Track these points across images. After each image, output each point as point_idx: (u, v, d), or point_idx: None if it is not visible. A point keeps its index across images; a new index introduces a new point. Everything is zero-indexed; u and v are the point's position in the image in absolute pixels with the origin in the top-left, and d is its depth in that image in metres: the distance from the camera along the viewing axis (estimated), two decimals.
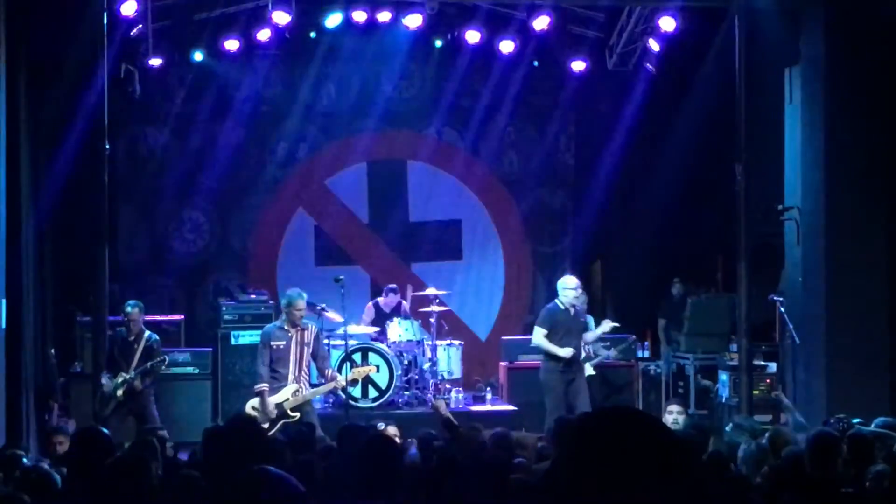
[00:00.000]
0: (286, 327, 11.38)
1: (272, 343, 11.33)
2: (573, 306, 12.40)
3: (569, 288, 12.43)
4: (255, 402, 11.31)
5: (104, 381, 11.77)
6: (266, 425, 10.76)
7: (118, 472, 5.46)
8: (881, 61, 12.04)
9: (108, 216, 12.57)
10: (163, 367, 12.12)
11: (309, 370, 11.50)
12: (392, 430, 9.69)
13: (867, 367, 11.86)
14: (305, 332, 11.41)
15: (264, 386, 11.25)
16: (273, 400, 11.22)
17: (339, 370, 12.58)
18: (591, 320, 13.66)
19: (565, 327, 12.33)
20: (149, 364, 11.86)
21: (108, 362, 11.96)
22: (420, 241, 16.69)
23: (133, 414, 11.88)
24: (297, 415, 11.20)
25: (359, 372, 12.33)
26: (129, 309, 12.19)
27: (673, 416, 10.36)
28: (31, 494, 5.86)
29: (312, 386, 11.52)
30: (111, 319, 12.41)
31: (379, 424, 10.01)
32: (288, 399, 11.25)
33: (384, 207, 16.72)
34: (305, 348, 11.36)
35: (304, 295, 11.51)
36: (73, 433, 9.04)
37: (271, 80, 16.26)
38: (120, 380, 11.85)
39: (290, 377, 11.31)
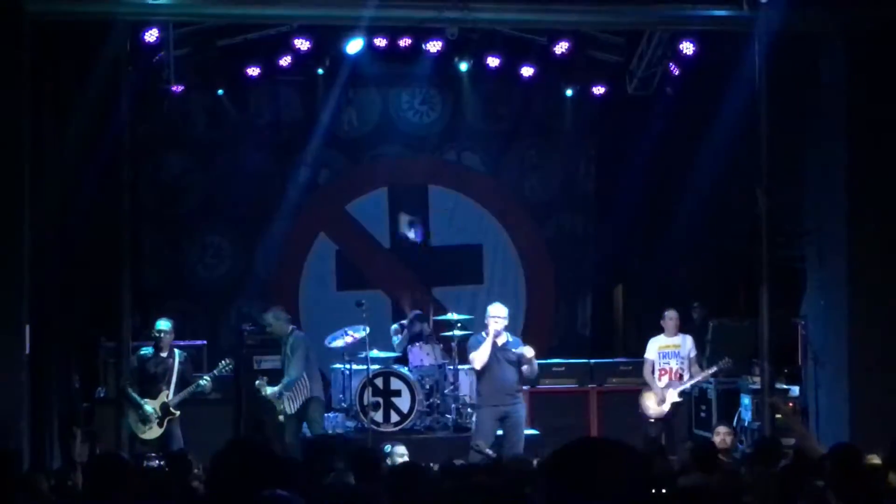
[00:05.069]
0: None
1: None
2: (497, 335, 11.91)
3: (490, 317, 12.03)
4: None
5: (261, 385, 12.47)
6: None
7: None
8: None
9: (130, 242, 12.65)
10: (208, 388, 12.33)
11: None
12: (400, 450, 9.72)
13: (891, 391, 11.79)
14: (287, 345, 12.54)
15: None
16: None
17: (361, 395, 13.10)
18: (688, 340, 13.17)
19: (494, 359, 11.94)
20: (193, 387, 12.11)
21: (142, 381, 12.03)
22: (441, 266, 16.70)
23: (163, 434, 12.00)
24: (281, 418, 12.49)
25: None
26: (165, 326, 12.24)
27: (720, 436, 10.54)
28: None
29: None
30: (134, 345, 12.48)
31: (385, 446, 10.04)
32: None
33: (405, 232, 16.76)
34: (286, 359, 12.54)
35: (271, 311, 12.85)
36: (92, 459, 9.09)
37: (293, 105, 16.35)
38: (161, 400, 11.94)
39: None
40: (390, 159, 16.81)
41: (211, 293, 16.29)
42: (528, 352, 11.94)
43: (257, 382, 12.50)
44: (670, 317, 13.19)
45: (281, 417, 12.41)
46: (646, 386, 13.13)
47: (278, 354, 13.14)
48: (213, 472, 5.54)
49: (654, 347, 13.18)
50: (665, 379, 13.04)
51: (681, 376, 13.05)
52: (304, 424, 12.64)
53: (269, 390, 12.38)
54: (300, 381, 12.41)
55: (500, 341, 11.94)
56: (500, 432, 12.03)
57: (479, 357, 11.90)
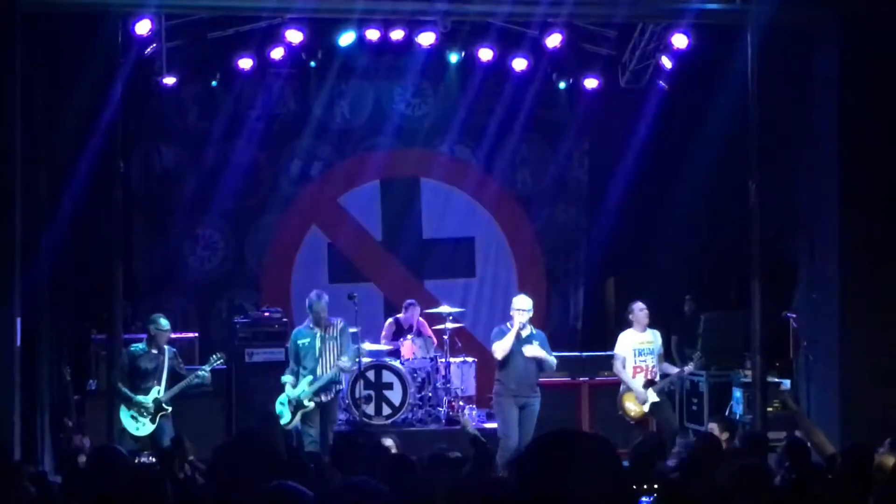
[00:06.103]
0: (311, 326, 12.26)
1: (298, 341, 12.25)
2: (522, 327, 12.05)
3: (515, 309, 12.16)
4: (282, 396, 12.21)
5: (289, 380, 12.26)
6: (289, 417, 12.02)
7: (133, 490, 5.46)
8: None
9: (122, 234, 12.63)
10: (205, 381, 12.30)
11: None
12: (388, 442, 9.72)
13: (882, 385, 11.81)
14: (331, 328, 12.23)
15: (286, 378, 12.23)
16: (292, 393, 12.12)
17: (353, 387, 13.03)
18: (657, 335, 12.83)
19: (516, 350, 12.09)
20: (190, 378, 12.02)
21: (134, 378, 11.96)
22: (433, 259, 16.71)
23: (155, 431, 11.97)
24: (312, 405, 12.02)
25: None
26: (165, 324, 12.12)
27: (714, 430, 10.53)
28: None
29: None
30: (126, 337, 12.45)
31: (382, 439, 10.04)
32: (304, 390, 12.08)
33: (397, 225, 16.74)
34: (332, 343, 12.17)
35: (324, 296, 12.38)
36: (90, 451, 9.07)
37: (285, 98, 16.33)
38: (152, 396, 11.89)
39: (319, 371, 12.12)
40: (382, 152, 16.78)
41: (203, 285, 16.28)
42: (535, 351, 12.10)
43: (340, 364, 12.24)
44: (640, 308, 12.69)
45: (311, 404, 12.09)
46: (623, 385, 12.71)
47: (270, 347, 13.17)
48: (216, 462, 5.55)
49: (628, 343, 12.68)
50: (641, 377, 12.58)
51: (655, 374, 12.68)
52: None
53: (346, 363, 12.24)
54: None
55: (524, 334, 12.07)
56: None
57: (502, 347, 12.01)
